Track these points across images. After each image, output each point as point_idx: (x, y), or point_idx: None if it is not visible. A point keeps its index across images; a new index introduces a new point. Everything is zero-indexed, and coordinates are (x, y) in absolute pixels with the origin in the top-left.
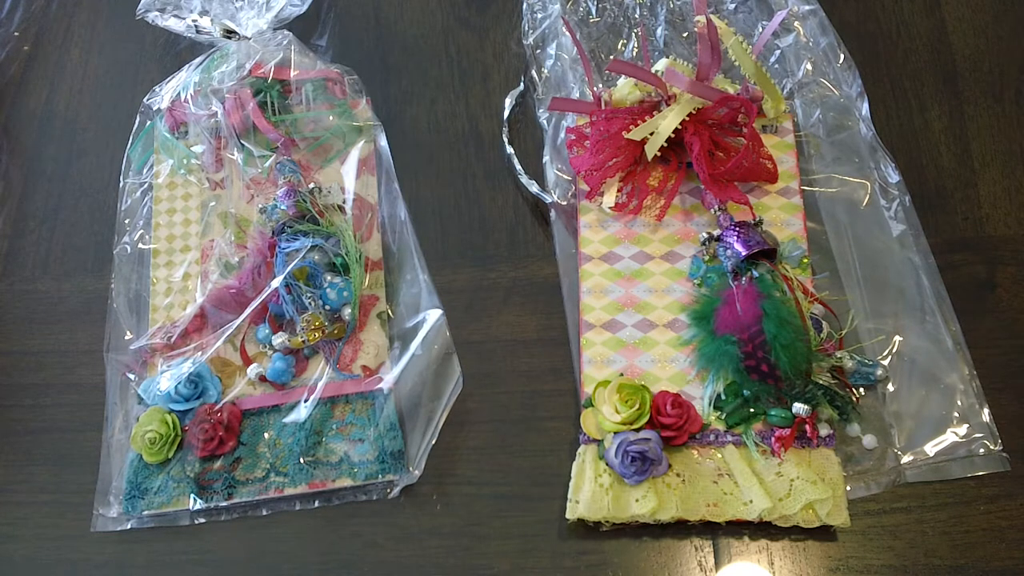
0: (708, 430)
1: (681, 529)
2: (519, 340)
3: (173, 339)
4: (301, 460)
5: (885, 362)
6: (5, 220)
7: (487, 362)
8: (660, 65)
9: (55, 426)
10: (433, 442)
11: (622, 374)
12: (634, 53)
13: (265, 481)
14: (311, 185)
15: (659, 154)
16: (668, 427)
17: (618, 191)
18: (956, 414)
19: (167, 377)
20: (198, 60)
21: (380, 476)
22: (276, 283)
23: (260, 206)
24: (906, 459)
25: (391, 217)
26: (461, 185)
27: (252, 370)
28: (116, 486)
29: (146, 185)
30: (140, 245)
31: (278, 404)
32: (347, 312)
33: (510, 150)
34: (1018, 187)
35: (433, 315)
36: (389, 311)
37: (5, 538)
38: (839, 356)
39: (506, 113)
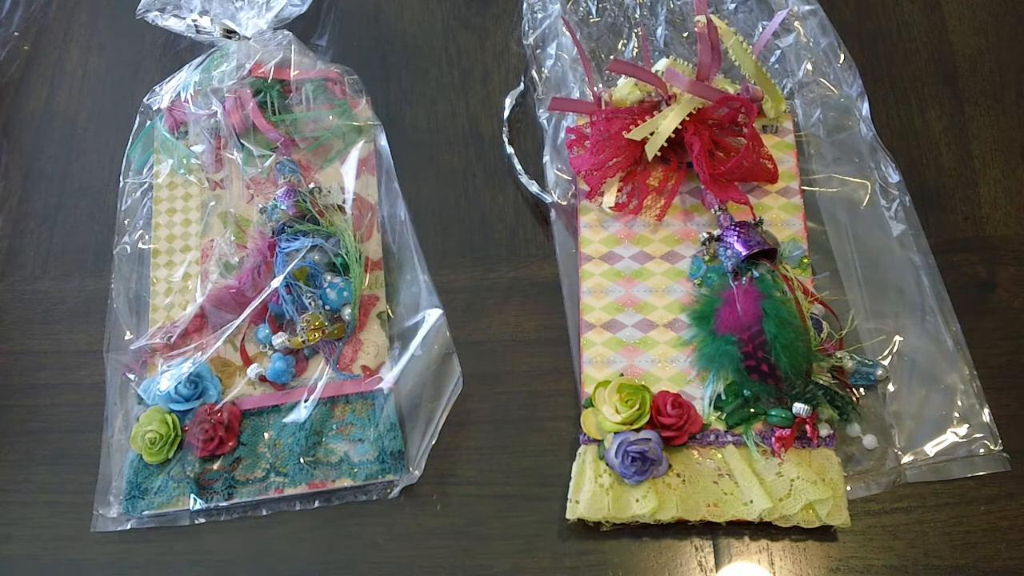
0: (708, 430)
1: (681, 529)
2: (519, 340)
3: (173, 339)
4: (301, 460)
5: (885, 362)
6: (5, 220)
7: (487, 362)
8: (660, 65)
9: (55, 426)
10: (433, 442)
11: (622, 374)
12: (634, 53)
13: (265, 481)
14: (311, 185)
15: (659, 154)
16: (668, 427)
17: (618, 191)
18: (956, 414)
19: (167, 377)
20: (198, 60)
21: (380, 476)
22: (276, 283)
23: (260, 206)
24: (906, 459)
25: (391, 217)
26: (461, 185)
27: (252, 370)
28: (116, 486)
29: (146, 185)
30: (140, 245)
31: (278, 404)
32: (347, 312)
33: (510, 150)
34: (1018, 187)
35: (433, 315)
36: (389, 311)
37: (5, 538)
38: (839, 356)
39: (506, 113)
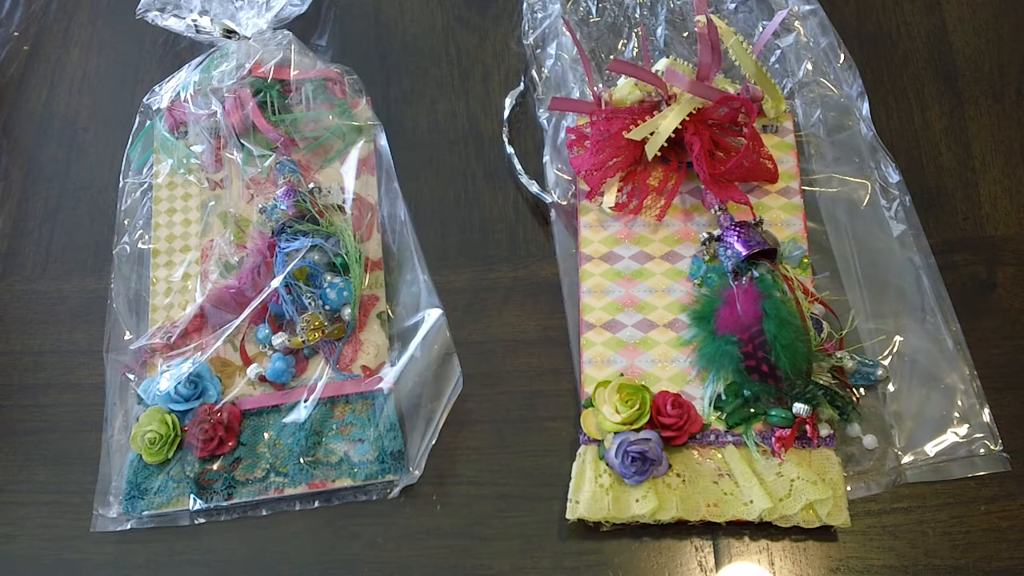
0: (708, 430)
1: (681, 529)
2: (519, 340)
3: (173, 339)
4: (301, 460)
5: (885, 362)
6: (5, 220)
7: (487, 362)
8: (660, 65)
9: (55, 426)
10: (433, 442)
11: (622, 374)
12: (634, 53)
13: (265, 481)
14: (311, 185)
15: (659, 154)
16: (668, 427)
17: (618, 191)
18: (956, 414)
19: (167, 377)
20: (198, 60)
21: (380, 476)
22: (276, 283)
23: (260, 206)
24: (906, 459)
25: (391, 217)
26: (461, 185)
27: (252, 370)
28: (116, 486)
29: (146, 185)
30: (140, 245)
31: (278, 404)
32: (347, 312)
33: (510, 150)
34: (1018, 187)
35: (433, 315)
36: (389, 311)
37: (5, 538)
38: (839, 356)
39: (506, 113)
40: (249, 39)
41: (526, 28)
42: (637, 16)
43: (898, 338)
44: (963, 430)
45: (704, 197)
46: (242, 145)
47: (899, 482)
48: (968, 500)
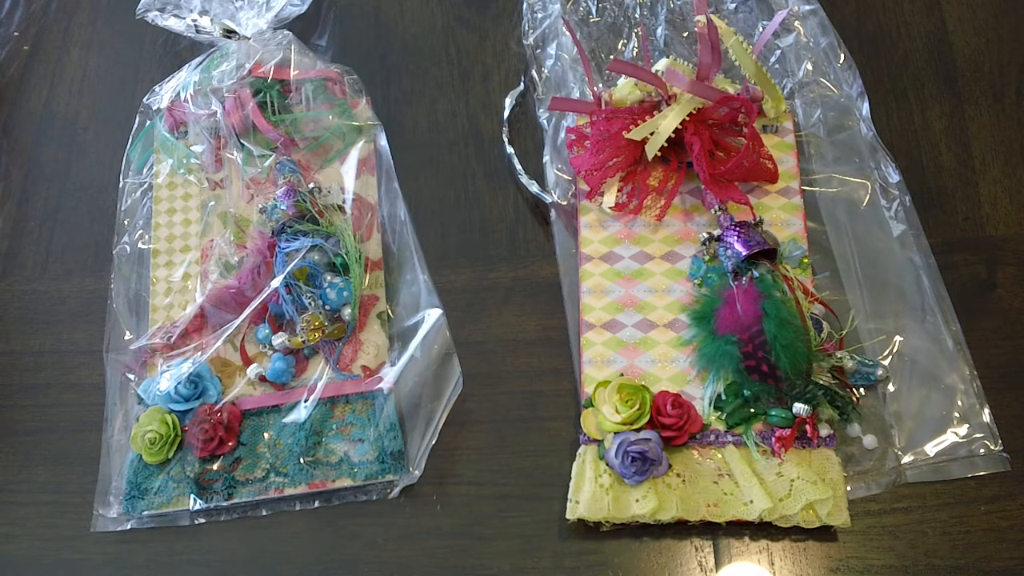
0: (708, 430)
1: (681, 529)
2: (519, 340)
3: (173, 339)
4: (301, 460)
5: (885, 362)
6: (5, 220)
7: (487, 362)
8: (660, 65)
9: (55, 426)
10: (433, 442)
11: (622, 374)
12: (634, 53)
13: (265, 481)
14: (311, 185)
15: (659, 154)
16: (668, 427)
17: (618, 191)
18: (956, 414)
19: (167, 377)
20: (198, 60)
21: (380, 476)
22: (276, 283)
23: (260, 206)
24: (906, 459)
25: (391, 217)
26: (461, 185)
27: (252, 370)
28: (116, 486)
29: (146, 185)
30: (140, 245)
31: (278, 404)
32: (347, 312)
33: (510, 150)
34: (1018, 187)
35: (433, 315)
36: (389, 311)
37: (5, 538)
38: (839, 356)
39: (506, 113)
40: (249, 39)
41: (526, 28)
42: (637, 16)
43: (898, 338)
44: (963, 430)
45: (704, 197)
46: (242, 145)
47: (899, 482)
48: (968, 500)
